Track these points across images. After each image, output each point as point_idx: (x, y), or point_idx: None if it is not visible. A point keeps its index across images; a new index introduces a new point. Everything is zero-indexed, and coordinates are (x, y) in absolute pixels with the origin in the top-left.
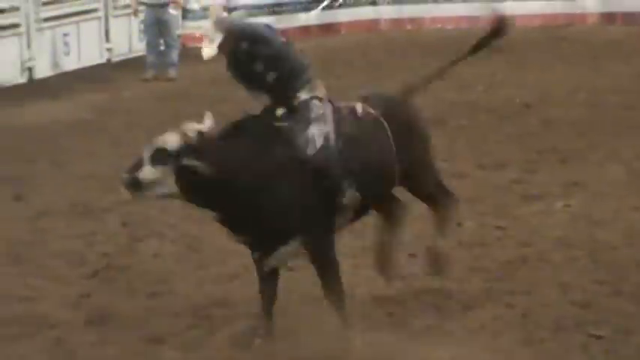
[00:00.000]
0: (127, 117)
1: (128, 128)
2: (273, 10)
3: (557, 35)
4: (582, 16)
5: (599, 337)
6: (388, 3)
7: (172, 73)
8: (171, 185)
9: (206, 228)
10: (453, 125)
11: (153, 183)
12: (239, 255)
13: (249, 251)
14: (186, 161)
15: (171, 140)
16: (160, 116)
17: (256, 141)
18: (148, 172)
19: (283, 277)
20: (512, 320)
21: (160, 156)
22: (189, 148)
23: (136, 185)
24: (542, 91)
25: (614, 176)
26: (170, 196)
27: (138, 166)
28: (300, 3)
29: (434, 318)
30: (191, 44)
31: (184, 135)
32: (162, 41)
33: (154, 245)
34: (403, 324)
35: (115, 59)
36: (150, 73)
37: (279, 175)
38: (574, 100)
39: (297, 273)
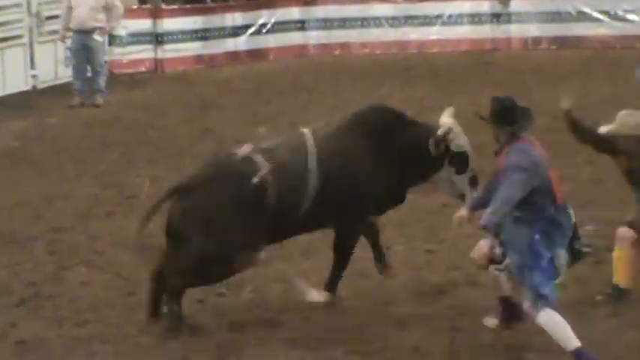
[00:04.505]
0: (53, 144)
1: (54, 156)
2: (201, 35)
3: (484, 60)
4: (508, 40)
5: None
6: (316, 28)
7: (99, 99)
8: None
9: (134, 255)
10: None
11: None
12: None
13: None
14: None
15: None
16: (86, 143)
17: None
18: None
19: None
20: (442, 343)
21: None
22: None
23: None
24: (470, 115)
25: None
26: None
27: None
28: (228, 28)
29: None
30: (118, 70)
31: None
32: (89, 67)
33: (82, 273)
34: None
35: (41, 86)
36: (76, 100)
37: None
38: None
39: None
